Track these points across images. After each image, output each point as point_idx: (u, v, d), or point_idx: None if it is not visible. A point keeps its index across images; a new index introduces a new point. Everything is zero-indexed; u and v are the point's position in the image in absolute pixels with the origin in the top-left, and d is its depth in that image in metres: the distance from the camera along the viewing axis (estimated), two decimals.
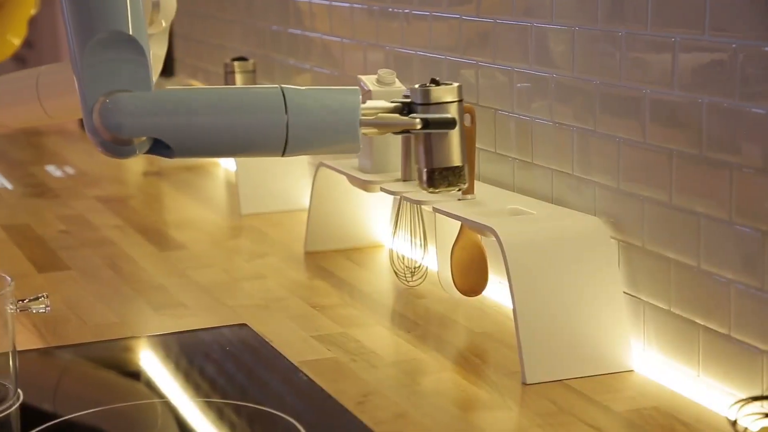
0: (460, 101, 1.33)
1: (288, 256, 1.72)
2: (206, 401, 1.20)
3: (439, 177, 1.33)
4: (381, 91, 1.55)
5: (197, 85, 2.58)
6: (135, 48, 1.15)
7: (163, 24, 1.34)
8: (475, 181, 1.43)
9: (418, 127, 1.29)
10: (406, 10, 1.69)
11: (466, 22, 1.54)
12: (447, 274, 1.48)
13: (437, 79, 1.32)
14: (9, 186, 2.27)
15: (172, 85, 2.56)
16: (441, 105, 1.31)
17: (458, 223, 1.43)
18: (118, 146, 1.16)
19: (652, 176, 1.23)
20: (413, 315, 1.46)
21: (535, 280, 1.25)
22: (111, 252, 1.76)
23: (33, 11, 2.72)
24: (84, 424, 1.15)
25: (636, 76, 1.24)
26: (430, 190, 1.34)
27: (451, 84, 1.33)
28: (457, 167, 1.33)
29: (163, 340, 1.38)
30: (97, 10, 1.16)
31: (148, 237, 1.84)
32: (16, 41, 2.57)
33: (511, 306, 1.25)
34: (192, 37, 2.59)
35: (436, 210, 1.41)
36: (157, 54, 1.40)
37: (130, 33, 1.15)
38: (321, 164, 1.68)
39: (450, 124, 1.30)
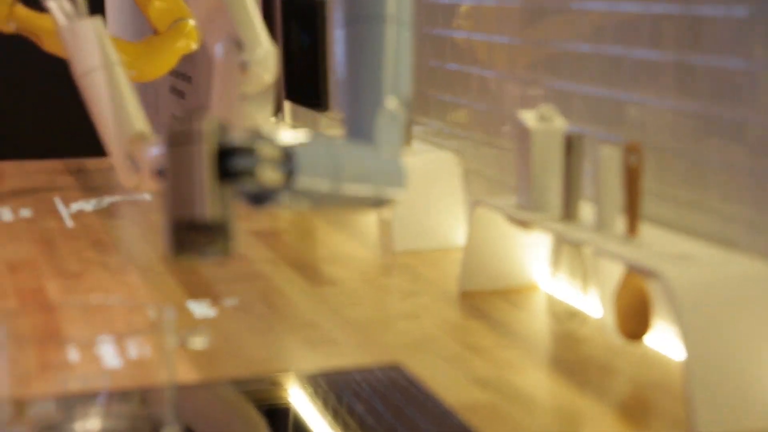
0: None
1: (442, 296, 1.68)
2: None
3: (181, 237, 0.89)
4: (542, 128, 1.51)
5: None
6: None
7: (266, 78, 1.24)
8: (640, 222, 1.37)
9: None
10: (567, 44, 1.64)
11: (629, 58, 1.48)
12: (609, 318, 1.42)
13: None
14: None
15: (324, 120, 2.57)
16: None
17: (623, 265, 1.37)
18: None
19: None
20: (573, 360, 1.40)
21: (705, 329, 1.18)
22: (264, 286, 1.75)
23: (194, 46, 2.75)
24: None
25: None
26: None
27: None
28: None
29: (313, 377, 1.35)
30: None
31: (300, 272, 1.83)
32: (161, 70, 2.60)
33: (675, 354, 1.18)
34: None
35: (597, 252, 1.35)
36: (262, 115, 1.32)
37: None
38: (478, 201, 1.64)
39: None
